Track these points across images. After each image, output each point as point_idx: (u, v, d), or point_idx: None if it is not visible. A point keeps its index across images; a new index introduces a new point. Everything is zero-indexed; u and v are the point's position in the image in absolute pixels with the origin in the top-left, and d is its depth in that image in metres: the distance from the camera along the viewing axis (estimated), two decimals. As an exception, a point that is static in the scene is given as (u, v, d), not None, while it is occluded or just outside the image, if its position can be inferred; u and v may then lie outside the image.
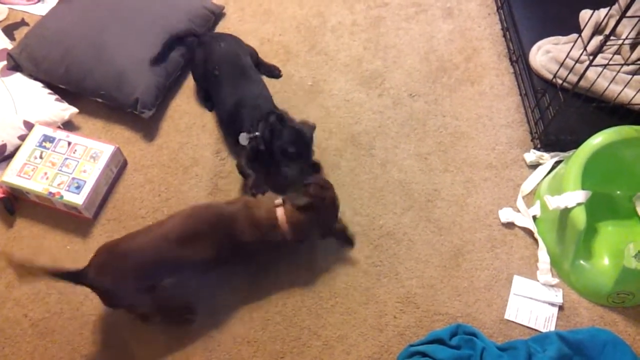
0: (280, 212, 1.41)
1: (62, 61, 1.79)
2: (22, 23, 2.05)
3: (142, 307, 1.40)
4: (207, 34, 1.88)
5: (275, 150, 1.56)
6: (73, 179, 1.60)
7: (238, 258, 1.45)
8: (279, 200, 1.44)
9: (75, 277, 1.29)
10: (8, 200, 1.62)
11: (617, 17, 1.52)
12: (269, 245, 1.42)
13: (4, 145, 1.65)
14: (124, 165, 1.73)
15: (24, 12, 2.08)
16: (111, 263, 1.31)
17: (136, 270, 1.31)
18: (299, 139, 1.56)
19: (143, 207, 1.66)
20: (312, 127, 1.61)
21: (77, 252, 1.58)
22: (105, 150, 1.66)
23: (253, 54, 1.86)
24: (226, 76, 1.70)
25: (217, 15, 2.05)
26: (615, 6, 1.81)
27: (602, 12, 1.85)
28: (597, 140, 1.54)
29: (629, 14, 1.70)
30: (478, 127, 1.83)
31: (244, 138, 1.59)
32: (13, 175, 1.60)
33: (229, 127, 1.71)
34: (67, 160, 1.64)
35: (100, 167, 1.63)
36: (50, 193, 1.58)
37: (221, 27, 2.04)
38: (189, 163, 1.74)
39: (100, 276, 1.29)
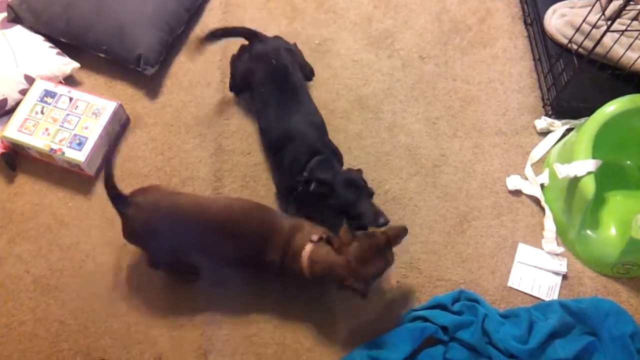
0: (309, 247, 1.32)
1: (62, 14, 1.74)
2: (22, -27, 1.99)
3: (158, 257, 1.41)
4: (263, 43, 1.63)
5: (334, 207, 1.40)
6: (75, 135, 1.58)
7: (260, 270, 1.42)
8: (315, 237, 1.33)
9: (117, 200, 1.30)
10: (9, 156, 1.60)
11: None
12: (286, 271, 1.36)
13: (5, 100, 1.62)
14: (126, 122, 1.70)
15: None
16: (153, 210, 1.30)
17: (169, 232, 1.30)
18: (354, 191, 1.39)
19: (146, 166, 1.64)
20: (360, 173, 1.46)
21: (79, 210, 1.57)
22: (107, 107, 1.62)
23: (303, 64, 1.72)
24: (274, 96, 1.53)
25: (222, -31, 1.98)
26: (637, -31, 1.74)
27: (623, -25, 1.78)
28: (611, 108, 1.50)
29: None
30: (489, 92, 1.79)
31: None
32: (14, 130, 1.58)
33: (273, 155, 1.57)
34: (69, 116, 1.61)
35: (103, 123, 1.60)
36: (52, 149, 1.56)
37: (227, -18, 1.98)
38: (193, 122, 1.71)
39: (137, 215, 1.29)
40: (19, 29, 1.76)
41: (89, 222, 1.56)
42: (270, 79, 1.55)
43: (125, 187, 1.56)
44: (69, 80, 1.74)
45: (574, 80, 1.65)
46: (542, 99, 1.76)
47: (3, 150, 1.59)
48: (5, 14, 1.78)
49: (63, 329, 1.43)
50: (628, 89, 1.60)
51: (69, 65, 1.72)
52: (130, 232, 1.34)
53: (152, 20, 1.73)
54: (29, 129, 1.58)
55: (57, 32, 1.76)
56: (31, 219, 1.56)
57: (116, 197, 1.30)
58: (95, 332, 1.43)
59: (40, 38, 1.75)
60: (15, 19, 1.77)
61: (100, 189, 1.60)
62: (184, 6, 1.82)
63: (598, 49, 1.64)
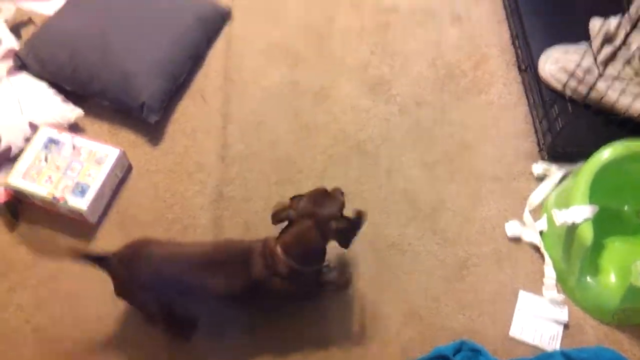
0: (278, 241, 1.35)
1: (68, 62, 1.78)
2: (29, 22, 2.04)
3: (149, 310, 1.41)
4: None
5: None
6: (77, 183, 1.60)
7: (254, 300, 1.40)
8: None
9: (99, 260, 1.32)
10: (12, 204, 1.62)
11: (628, 27, 1.51)
12: (277, 280, 1.35)
13: (9, 148, 1.65)
14: (128, 169, 1.72)
15: (31, 10, 2.06)
16: (135, 260, 1.31)
17: (156, 277, 1.31)
18: None
19: (147, 213, 1.65)
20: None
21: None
22: (110, 154, 1.65)
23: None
24: None
25: (225, 17, 2.03)
26: (627, 15, 1.79)
27: (613, 21, 1.83)
28: (606, 154, 1.52)
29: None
30: (485, 137, 1.81)
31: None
32: (18, 178, 1.60)
33: None
34: (72, 163, 1.63)
35: (105, 171, 1.62)
36: (55, 198, 1.57)
37: (228, 31, 2.02)
38: (194, 168, 1.73)
39: (121, 268, 1.31)
40: (24, 76, 1.79)
41: (89, 270, 1.55)
42: None
43: (126, 236, 1.59)
44: (73, 127, 1.77)
45: (569, 126, 1.68)
46: (538, 144, 1.79)
47: (6, 199, 1.61)
48: (11, 62, 1.81)
49: (62, 379, 1.43)
50: (623, 134, 1.62)
51: (73, 112, 1.75)
52: (118, 290, 1.35)
53: (157, 69, 1.77)
54: (32, 177, 1.60)
55: (63, 80, 1.80)
56: (32, 268, 1.56)
57: (97, 259, 1.32)
58: (94, 382, 1.42)
59: (45, 85, 1.78)
60: (21, 66, 1.81)
61: (101, 235, 1.61)
62: (187, 54, 1.86)
63: (592, 94, 1.68)
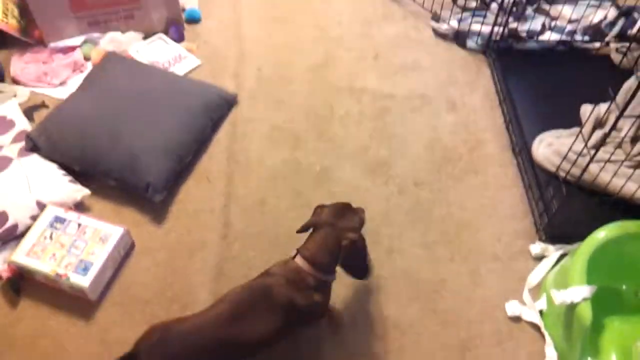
0: (298, 259, 1.40)
1: (78, 144, 1.85)
2: (42, 105, 2.13)
3: None
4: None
5: None
6: (81, 260, 1.61)
7: (293, 324, 1.39)
8: (293, 253, 1.43)
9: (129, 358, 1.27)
10: (15, 281, 1.63)
11: (617, 113, 1.58)
12: (308, 295, 1.37)
13: (15, 226, 1.68)
14: (131, 247, 1.74)
15: (45, 95, 2.16)
16: (163, 347, 1.27)
17: (191, 353, 1.27)
18: None
19: (147, 291, 1.66)
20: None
21: (80, 336, 1.57)
22: (114, 233, 1.68)
23: None
24: None
25: (231, 103, 2.13)
26: (614, 103, 1.87)
27: (603, 107, 1.91)
28: (601, 234, 1.55)
29: (627, 112, 1.77)
30: (483, 218, 1.85)
31: None
32: (22, 255, 1.62)
33: None
34: (77, 241, 1.66)
35: (109, 249, 1.64)
36: (58, 275, 1.59)
37: (234, 114, 2.11)
38: (196, 247, 1.76)
39: (154, 357, 1.26)
40: (35, 157, 1.85)
41: (88, 348, 1.55)
42: None
43: (126, 314, 1.59)
44: (79, 206, 1.81)
45: (564, 207, 1.72)
46: (535, 225, 1.82)
47: (9, 275, 1.62)
48: (23, 144, 1.88)
49: None
50: (617, 214, 1.66)
51: (80, 192, 1.80)
52: None
53: (163, 150, 1.84)
54: (36, 254, 1.62)
55: (72, 160, 1.85)
56: (32, 345, 1.55)
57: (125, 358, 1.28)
58: None
59: (54, 166, 1.84)
60: (33, 148, 1.87)
61: (101, 314, 1.61)
62: (193, 137, 1.94)
63: (585, 177, 1.73)
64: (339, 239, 1.40)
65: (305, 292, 1.36)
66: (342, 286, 1.63)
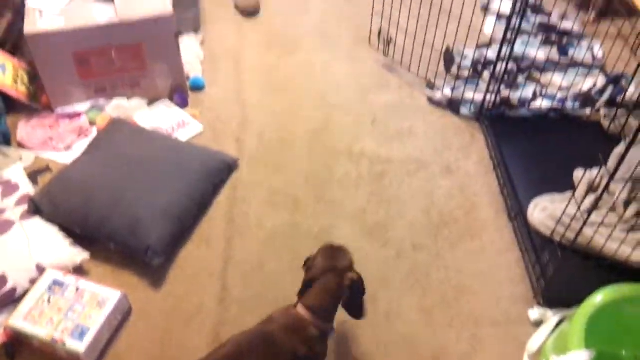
0: (299, 307, 1.41)
1: (81, 208, 1.88)
2: (47, 169, 2.18)
3: None
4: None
5: None
6: (77, 325, 1.61)
7: None
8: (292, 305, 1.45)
9: None
10: (10, 345, 1.62)
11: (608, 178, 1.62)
12: (312, 349, 1.37)
13: (14, 289, 1.69)
14: (128, 312, 1.74)
15: (50, 159, 2.21)
16: None
17: None
18: None
19: (143, 356, 1.64)
20: None
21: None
22: (111, 297, 1.68)
23: None
24: None
25: (232, 167, 2.17)
26: (604, 168, 1.92)
27: (595, 172, 1.96)
28: (598, 298, 1.55)
29: (619, 175, 1.81)
30: (481, 282, 1.85)
31: None
32: (20, 319, 1.62)
33: None
34: (74, 305, 1.66)
35: (106, 314, 1.64)
36: (54, 339, 1.58)
37: (235, 178, 2.15)
38: (193, 311, 1.75)
39: None
40: (37, 220, 1.88)
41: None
42: None
43: None
44: (78, 270, 1.81)
45: (561, 271, 1.73)
46: (533, 289, 1.82)
47: (5, 340, 1.61)
48: (26, 207, 1.91)
49: None
50: (614, 277, 1.66)
51: (79, 256, 1.81)
52: None
53: (164, 214, 1.86)
54: (34, 318, 1.62)
55: (74, 223, 1.88)
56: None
57: None
58: None
59: (55, 229, 1.86)
60: (35, 211, 1.90)
61: (96, 380, 1.59)
62: (194, 201, 1.97)
63: (580, 240, 1.75)
64: (340, 282, 1.43)
65: (307, 343, 1.37)
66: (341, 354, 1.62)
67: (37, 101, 2.35)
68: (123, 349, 1.66)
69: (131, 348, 1.66)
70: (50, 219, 1.88)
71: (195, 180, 2.00)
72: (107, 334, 1.65)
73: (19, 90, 2.29)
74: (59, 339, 1.58)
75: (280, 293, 1.80)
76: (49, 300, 1.66)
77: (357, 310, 1.51)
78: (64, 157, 2.21)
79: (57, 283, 1.70)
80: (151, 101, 2.41)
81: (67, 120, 2.31)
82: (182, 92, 2.44)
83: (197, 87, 2.51)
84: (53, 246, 1.80)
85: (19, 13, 2.34)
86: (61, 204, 1.90)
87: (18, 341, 1.65)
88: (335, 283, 1.43)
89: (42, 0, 2.23)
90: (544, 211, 1.92)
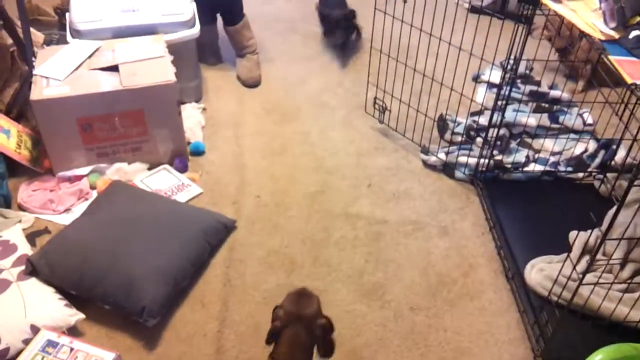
0: None
1: (77, 269, 1.88)
2: (45, 231, 2.19)
3: None
4: None
5: None
6: (69, 386, 1.58)
7: None
8: None
9: None
10: (-1, 408, 1.58)
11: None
12: None
13: (7, 349, 1.66)
14: (122, 373, 1.71)
15: (49, 221, 2.23)
16: None
17: None
18: None
19: (136, 420, 1.60)
20: None
21: None
22: (106, 359, 1.65)
23: None
24: None
25: (230, 228, 2.19)
26: (598, 229, 1.94)
27: (589, 233, 1.98)
28: (597, 359, 1.54)
29: (614, 235, 1.83)
30: (480, 343, 1.83)
31: None
32: (10, 381, 1.59)
33: None
34: (67, 366, 1.63)
35: (99, 375, 1.61)
36: (44, 402, 1.54)
37: (232, 239, 2.17)
38: (188, 373, 1.73)
39: None
40: (33, 281, 1.87)
41: None
42: None
43: None
44: (73, 330, 1.79)
45: (559, 331, 1.72)
46: (532, 350, 1.80)
47: (-5, 402, 1.58)
48: (23, 267, 1.91)
49: None
50: (612, 338, 1.66)
51: (74, 316, 1.79)
52: None
53: (160, 275, 1.86)
54: (25, 380, 1.59)
55: (70, 285, 1.87)
56: None
57: None
58: None
59: (51, 290, 1.85)
60: (32, 272, 1.90)
61: None
62: (190, 261, 1.97)
63: (576, 300, 1.74)
64: (311, 330, 1.39)
65: None
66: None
67: (39, 165, 2.40)
68: (114, 413, 1.62)
69: (123, 412, 1.62)
70: (47, 279, 1.88)
71: (192, 240, 2.02)
72: (99, 397, 1.62)
73: (22, 154, 2.35)
74: (49, 401, 1.54)
75: (277, 355, 1.78)
76: (42, 361, 1.64)
77: (326, 349, 1.45)
78: (63, 219, 2.23)
79: (50, 343, 1.68)
80: (152, 165, 2.46)
81: (67, 183, 2.35)
82: (182, 157, 2.49)
83: (197, 152, 2.57)
84: (48, 307, 1.79)
85: (26, 81, 2.43)
86: (58, 264, 1.90)
87: (7, 404, 1.61)
88: (304, 333, 1.38)
89: (49, 69, 2.33)
90: (541, 272, 1.93)
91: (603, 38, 1.68)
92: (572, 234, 2.07)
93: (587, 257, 1.87)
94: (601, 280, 1.73)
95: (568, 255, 1.82)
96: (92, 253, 1.92)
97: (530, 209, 2.23)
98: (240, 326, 1.87)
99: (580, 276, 1.68)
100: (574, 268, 1.74)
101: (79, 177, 2.38)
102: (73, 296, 1.86)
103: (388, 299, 1.97)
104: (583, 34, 1.75)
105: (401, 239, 2.19)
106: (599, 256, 1.98)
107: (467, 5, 3.42)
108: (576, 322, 1.76)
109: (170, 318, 1.88)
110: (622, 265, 1.92)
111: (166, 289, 1.85)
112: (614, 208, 2.01)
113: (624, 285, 1.84)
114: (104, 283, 1.84)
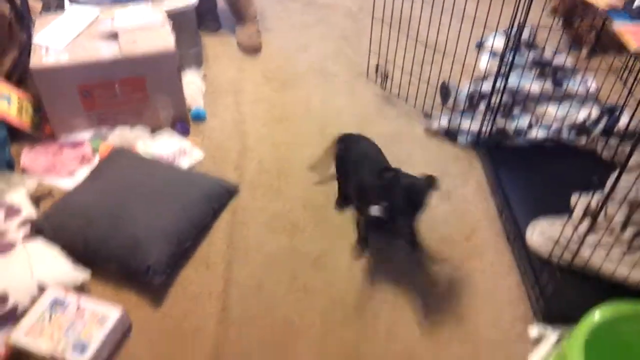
0: None
1: (81, 231, 1.90)
2: (49, 195, 2.20)
3: None
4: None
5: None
6: (78, 342, 1.60)
7: None
8: None
9: None
10: (10, 362, 1.61)
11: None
12: None
13: (15, 307, 1.68)
14: (129, 329, 1.73)
15: (52, 185, 2.24)
16: None
17: None
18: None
19: (142, 375, 1.63)
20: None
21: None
22: (111, 315, 1.68)
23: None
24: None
25: (232, 193, 2.20)
26: (601, 191, 1.95)
27: (592, 195, 1.98)
28: (595, 317, 1.55)
29: (616, 198, 1.84)
30: (481, 303, 1.86)
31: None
32: (21, 335, 1.61)
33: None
34: (75, 323, 1.65)
35: (106, 331, 1.64)
36: (54, 357, 1.57)
37: (234, 204, 2.18)
38: (193, 331, 1.75)
39: None
40: (39, 241, 1.89)
41: None
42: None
43: None
44: (79, 289, 1.81)
45: (559, 291, 1.74)
46: (532, 309, 1.82)
47: (6, 356, 1.60)
48: (28, 230, 1.92)
49: None
50: (612, 298, 1.66)
51: (81, 275, 1.81)
52: None
53: (164, 235, 1.88)
54: (34, 335, 1.61)
55: (74, 247, 1.88)
56: None
57: None
58: None
59: (57, 250, 1.87)
60: (37, 233, 1.91)
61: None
62: (193, 224, 1.99)
63: (577, 261, 1.76)
64: None
65: None
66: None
67: (41, 131, 2.40)
68: (122, 368, 1.65)
69: (130, 367, 1.65)
70: (51, 240, 1.89)
71: (195, 204, 2.03)
72: (106, 351, 1.64)
73: (23, 120, 2.34)
74: (59, 355, 1.57)
75: (279, 314, 1.81)
76: (50, 318, 1.66)
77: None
78: (66, 183, 2.24)
79: (58, 301, 1.70)
80: (153, 130, 2.46)
81: (70, 148, 2.36)
82: (183, 123, 2.49)
83: (199, 118, 2.57)
84: (54, 266, 1.81)
85: (25, 49, 2.42)
86: (61, 227, 1.92)
87: (19, 358, 1.63)
88: None
89: (48, 36, 2.31)
90: (542, 234, 1.94)
91: (606, 8, 1.67)
92: (574, 197, 2.08)
93: (588, 220, 1.88)
94: (603, 242, 1.75)
95: (570, 217, 1.83)
96: (96, 216, 1.93)
97: (532, 173, 2.24)
98: (244, 287, 1.89)
99: (582, 237, 1.69)
100: (575, 230, 1.75)
101: (81, 142, 2.38)
102: (78, 258, 1.88)
103: (390, 259, 1.99)
104: (587, 3, 1.74)
105: (403, 203, 2.20)
106: (600, 219, 1.99)
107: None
108: (576, 283, 1.78)
109: (175, 279, 1.90)
110: (624, 228, 1.94)
111: (170, 249, 1.86)
112: (616, 172, 2.03)
113: (624, 248, 1.85)
114: (108, 245, 1.86)
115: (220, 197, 2.16)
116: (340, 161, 2.10)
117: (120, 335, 1.70)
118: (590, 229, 1.76)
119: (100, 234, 1.88)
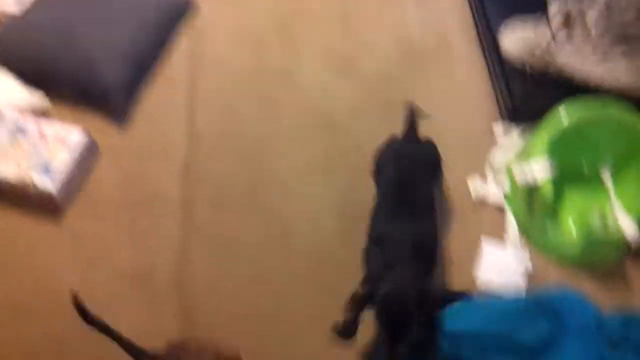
0: None
1: (33, 56, 1.80)
2: (-4, 21, 2.05)
3: None
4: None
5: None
6: (45, 166, 1.59)
7: None
8: None
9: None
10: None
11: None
12: None
13: (-26, 136, 1.65)
14: (96, 152, 1.72)
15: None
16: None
17: None
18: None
19: (114, 195, 1.66)
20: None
21: (50, 237, 1.59)
22: (74, 137, 1.65)
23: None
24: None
25: (189, 5, 2.06)
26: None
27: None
28: (562, 111, 1.56)
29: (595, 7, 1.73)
30: (450, 103, 1.87)
31: None
32: (-17, 162, 1.60)
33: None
34: (39, 147, 1.63)
35: (73, 154, 1.62)
36: (23, 181, 1.57)
37: (196, 17, 2.04)
38: (161, 149, 1.75)
39: None
40: (-8, 70, 1.80)
41: (61, 247, 1.57)
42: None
43: (94, 216, 1.62)
44: (38, 113, 1.76)
45: (529, 93, 1.73)
46: (500, 110, 1.84)
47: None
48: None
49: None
50: (579, 94, 1.66)
51: (40, 100, 1.76)
52: None
53: (121, 55, 1.78)
54: (-1, 162, 1.60)
55: (28, 72, 1.80)
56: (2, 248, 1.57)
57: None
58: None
59: (11, 76, 1.79)
60: (-12, 60, 1.82)
61: (68, 218, 1.62)
62: (152, 40, 1.89)
63: (548, 59, 1.72)
64: None
65: None
66: None
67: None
68: (94, 189, 1.67)
69: (101, 187, 1.67)
70: (3, 64, 1.80)
71: (150, 20, 1.90)
72: (76, 174, 1.64)
73: None
74: (28, 180, 1.57)
75: (248, 130, 1.81)
76: (12, 144, 1.63)
77: None
78: (15, 8, 2.07)
79: (19, 128, 1.66)
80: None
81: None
82: None
83: None
84: (11, 92, 1.74)
85: None
86: (12, 49, 1.81)
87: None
88: None
89: None
90: (515, 32, 1.87)
91: None
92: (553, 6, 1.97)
93: (562, 15, 1.80)
94: (578, 47, 1.69)
95: (545, 14, 1.75)
96: (47, 38, 1.81)
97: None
98: (210, 104, 1.85)
99: (558, 33, 1.63)
100: (550, 27, 1.68)
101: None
102: (33, 82, 1.79)
103: (361, 73, 1.94)
104: None
105: (374, 10, 2.09)
106: (577, 28, 1.91)
107: None
108: (547, 87, 1.76)
109: (138, 99, 1.84)
110: (599, 29, 1.86)
111: (129, 68, 1.79)
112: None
113: (598, 48, 1.80)
114: (62, 67, 1.77)
115: (177, 11, 2.01)
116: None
117: (88, 159, 1.69)
118: (565, 24, 1.69)
119: (54, 56, 1.77)
